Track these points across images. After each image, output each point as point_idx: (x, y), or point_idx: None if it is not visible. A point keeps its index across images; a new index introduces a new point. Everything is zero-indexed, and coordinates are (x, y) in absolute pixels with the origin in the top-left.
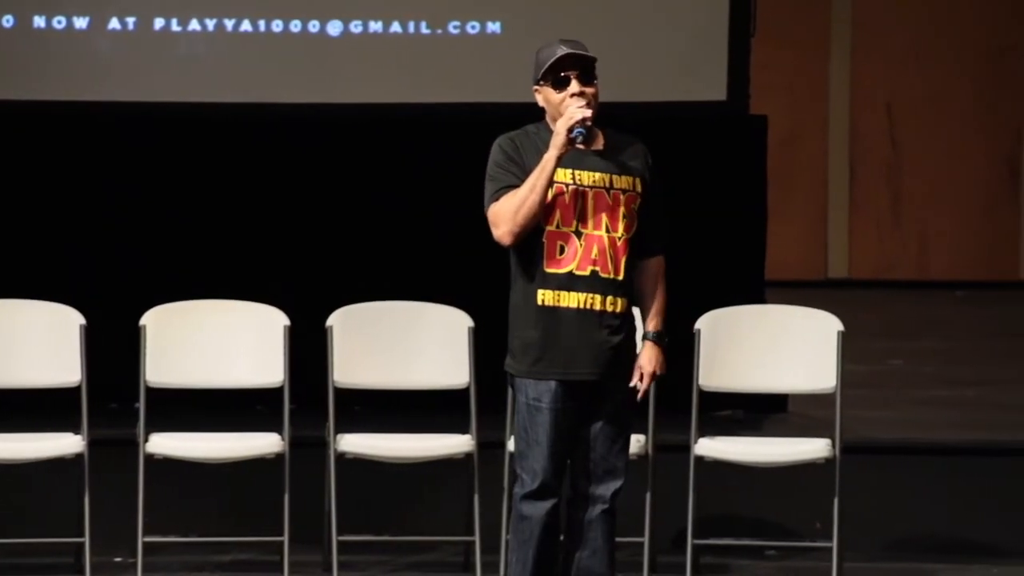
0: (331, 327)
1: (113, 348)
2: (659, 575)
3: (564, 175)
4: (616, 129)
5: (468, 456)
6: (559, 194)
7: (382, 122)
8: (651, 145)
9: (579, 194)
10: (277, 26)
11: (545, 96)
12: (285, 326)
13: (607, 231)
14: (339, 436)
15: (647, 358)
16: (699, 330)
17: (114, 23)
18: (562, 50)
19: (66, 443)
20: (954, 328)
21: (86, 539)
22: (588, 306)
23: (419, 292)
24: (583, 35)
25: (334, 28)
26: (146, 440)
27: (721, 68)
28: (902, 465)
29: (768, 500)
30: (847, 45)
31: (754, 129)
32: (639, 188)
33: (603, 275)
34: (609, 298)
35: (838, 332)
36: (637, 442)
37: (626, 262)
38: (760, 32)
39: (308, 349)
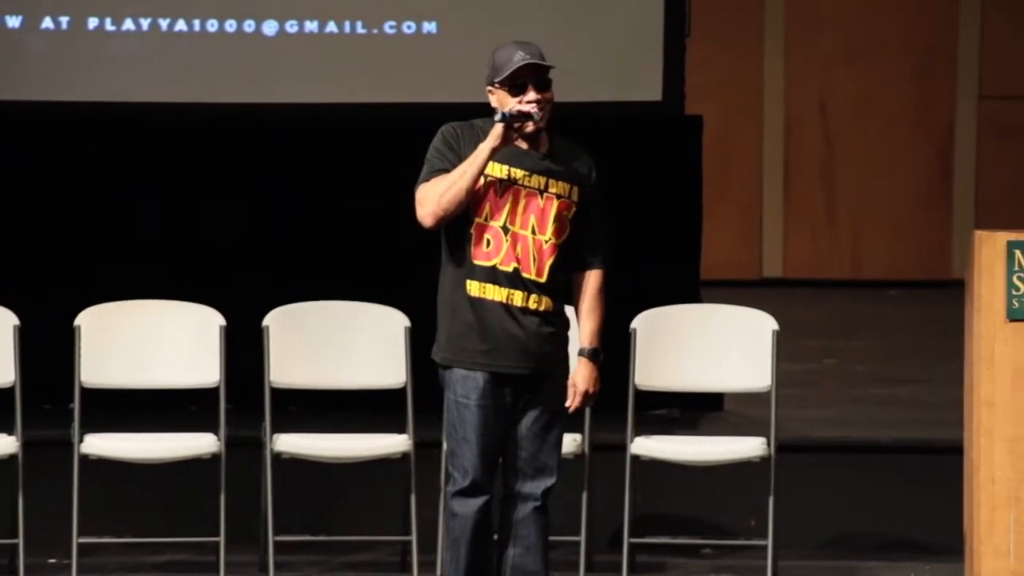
0: (267, 327)
1: (47, 348)
2: (595, 574)
3: (501, 170)
4: (569, 139)
5: (405, 455)
6: (492, 188)
7: (317, 122)
8: (587, 145)
9: (512, 191)
10: (212, 25)
11: (499, 99)
12: (221, 326)
13: (533, 232)
14: (275, 436)
15: (581, 376)
16: (635, 329)
17: (47, 22)
18: (521, 57)
19: None
20: (888, 327)
21: (20, 540)
22: (509, 301)
23: (355, 292)
24: (517, 35)
25: (269, 28)
26: (81, 441)
27: (656, 69)
28: (836, 463)
29: (704, 499)
30: (781, 45)
31: (689, 129)
32: (575, 197)
33: (524, 274)
34: (533, 296)
35: (773, 331)
36: (574, 441)
37: (552, 266)
38: (695, 32)
39: (243, 349)
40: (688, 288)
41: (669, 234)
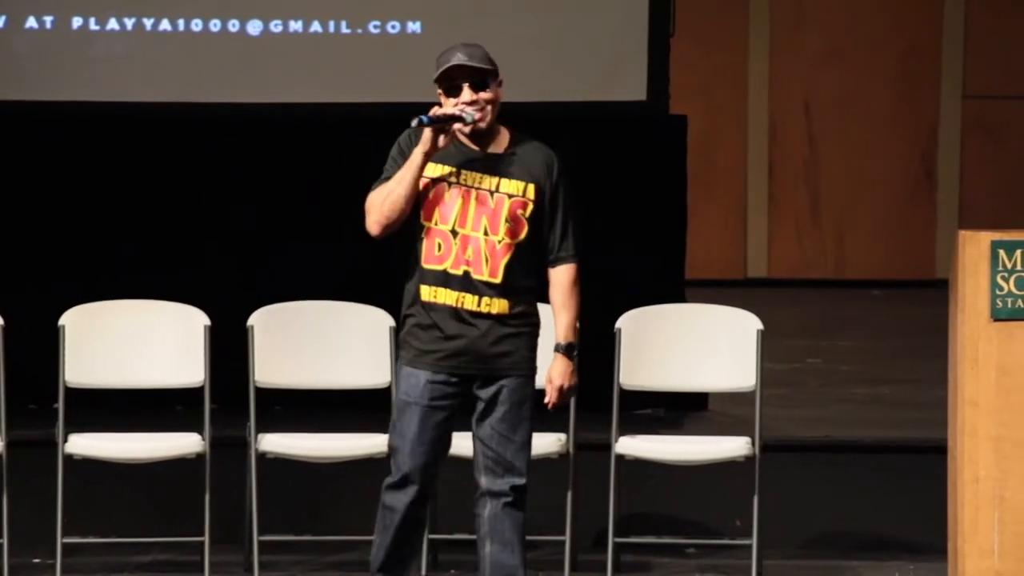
0: (252, 326)
1: (32, 348)
2: (580, 573)
3: (450, 173)
4: (530, 135)
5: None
6: (442, 191)
7: (302, 122)
8: (572, 145)
9: (462, 193)
10: (196, 25)
11: (442, 100)
12: (206, 326)
13: (485, 233)
14: (260, 436)
15: (556, 371)
16: (620, 329)
17: (31, 22)
18: (455, 59)
19: None
20: (872, 327)
21: (4, 540)
22: (460, 305)
23: (340, 292)
24: (502, 35)
25: (254, 27)
26: (65, 441)
27: (641, 68)
28: (821, 463)
29: (688, 498)
30: (765, 45)
31: (674, 129)
32: (531, 195)
33: (475, 276)
34: (484, 299)
35: (757, 331)
36: (558, 441)
37: (507, 266)
38: (679, 32)
39: (228, 349)
40: (673, 288)
41: (654, 234)
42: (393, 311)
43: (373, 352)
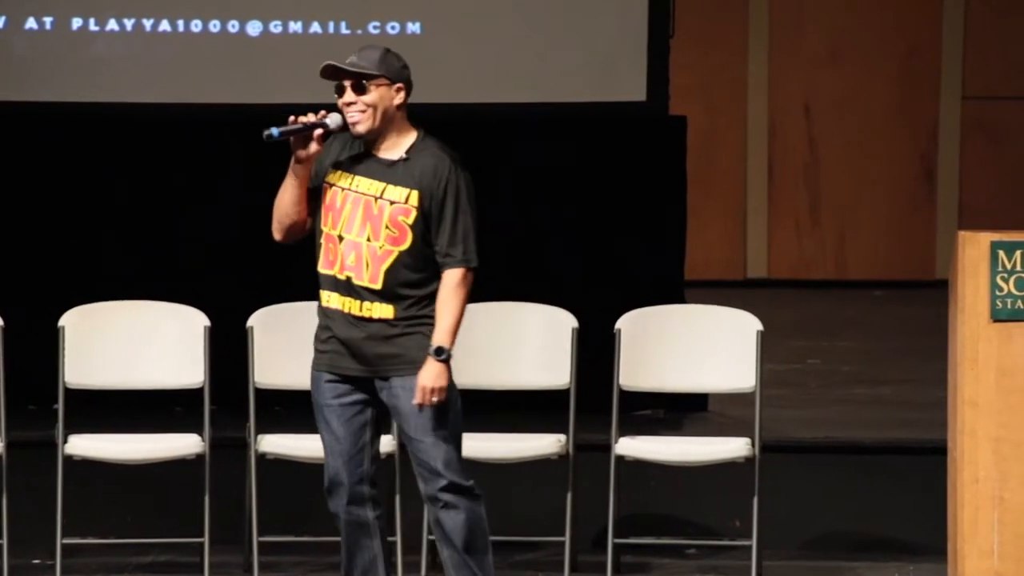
0: (252, 327)
1: (32, 349)
2: (580, 574)
3: (344, 179)
4: (439, 141)
5: (389, 456)
6: (334, 197)
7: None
8: (572, 146)
9: (351, 199)
10: (196, 26)
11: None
12: (205, 327)
13: (368, 239)
14: (260, 437)
15: (423, 373)
16: (619, 330)
17: (31, 23)
18: (335, 61)
19: None
20: (872, 327)
21: (4, 541)
22: (348, 310)
23: None
24: (502, 35)
25: (253, 28)
26: (65, 441)
27: (640, 69)
28: (821, 464)
29: (688, 499)
30: (764, 46)
31: (674, 129)
32: (413, 202)
33: (356, 282)
34: (366, 304)
35: (757, 332)
36: (558, 442)
37: (388, 272)
38: (678, 33)
39: (228, 349)
40: (672, 288)
41: (653, 234)
42: None
43: None
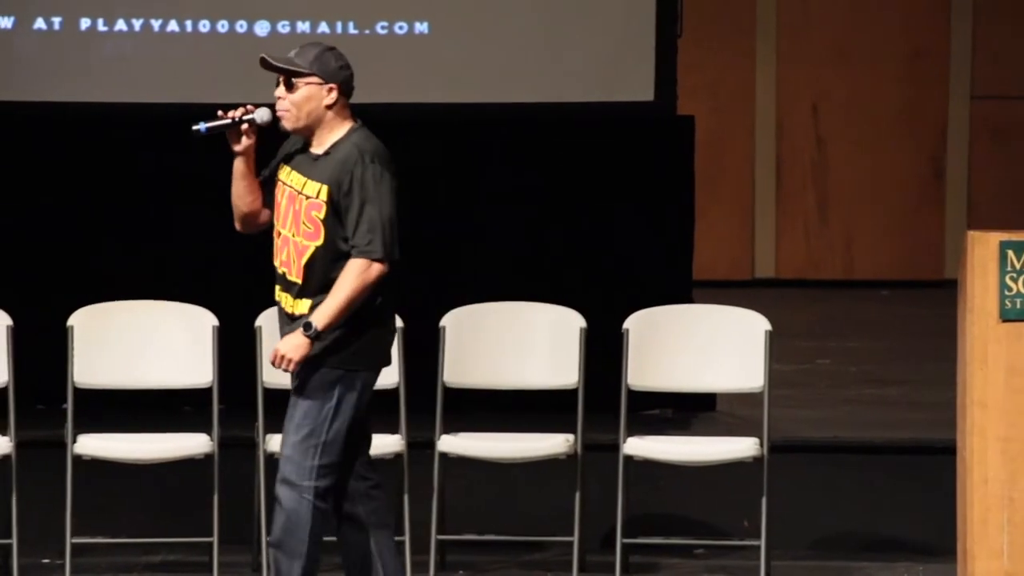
0: (260, 327)
1: (40, 349)
2: (588, 574)
3: (284, 174)
4: (366, 136)
5: (398, 456)
6: (279, 193)
7: None
8: (579, 146)
9: (287, 195)
10: (204, 26)
11: None
12: (214, 326)
13: (293, 235)
14: (268, 436)
15: (285, 340)
16: (627, 330)
17: (39, 23)
18: (268, 55)
19: None
20: (880, 327)
21: (14, 540)
22: (283, 304)
23: None
24: (510, 35)
25: (261, 28)
26: (74, 441)
27: (648, 69)
28: (829, 464)
29: (697, 499)
30: (772, 46)
31: (681, 129)
32: (323, 196)
33: (288, 277)
34: (290, 299)
35: (766, 331)
36: (566, 441)
37: (307, 267)
38: (686, 33)
39: (236, 349)
40: (680, 288)
41: (661, 234)
42: (400, 311)
43: None
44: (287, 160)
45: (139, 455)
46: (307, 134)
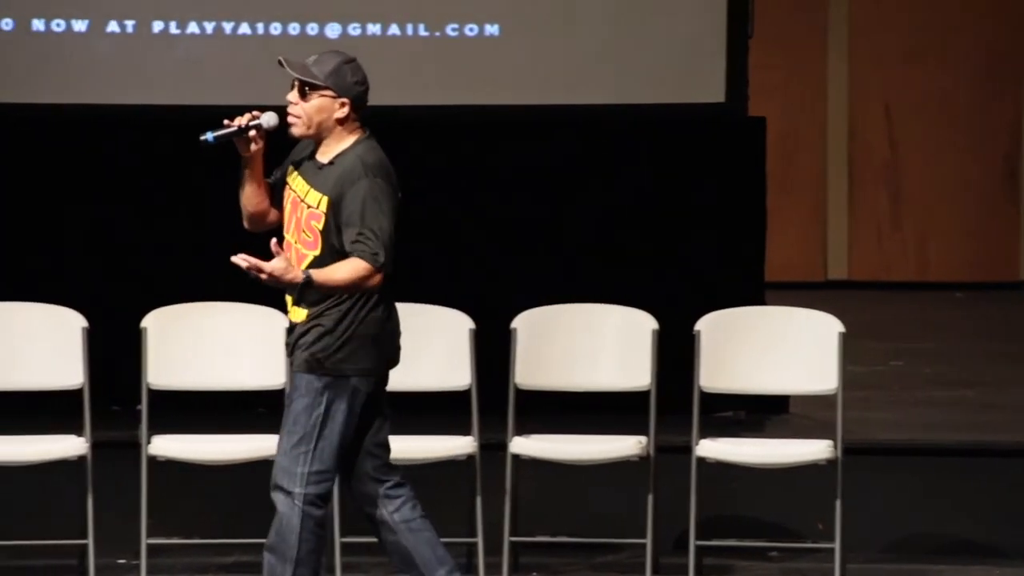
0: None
1: (115, 350)
2: None
3: (292, 179)
4: (373, 147)
5: (470, 457)
6: (286, 198)
7: (380, 125)
8: (650, 148)
9: (292, 201)
10: (275, 29)
11: None
12: (285, 327)
13: (295, 241)
14: None
15: (278, 261)
16: (699, 332)
17: (113, 26)
18: (286, 59)
19: (69, 445)
20: (954, 329)
21: (90, 541)
22: (289, 311)
23: (422, 293)
24: (580, 37)
25: (332, 31)
26: (148, 442)
27: (719, 70)
28: (903, 466)
29: (770, 501)
30: (844, 46)
31: (753, 130)
32: (323, 207)
33: None
34: (293, 307)
35: (839, 333)
36: (638, 443)
37: None
38: (757, 33)
39: None
40: (752, 290)
41: (733, 236)
42: (471, 313)
43: (453, 354)
44: (296, 164)
45: (213, 456)
46: (317, 140)
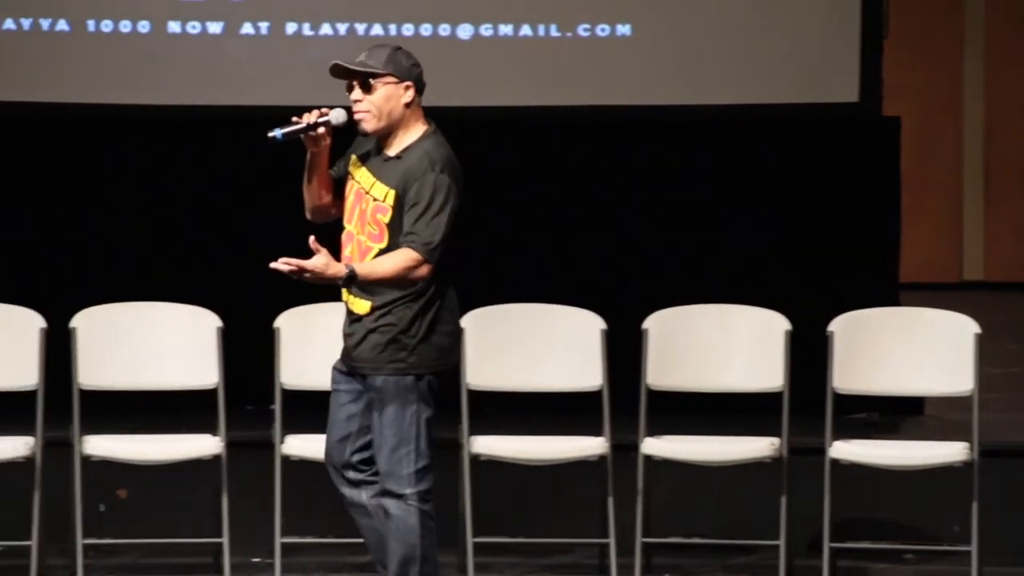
0: (464, 329)
1: (250, 350)
2: None
3: (355, 170)
4: (440, 142)
5: (602, 458)
6: (349, 190)
7: (511, 124)
8: (782, 148)
9: (356, 193)
10: (408, 30)
11: None
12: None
13: (357, 232)
14: (472, 438)
15: (321, 260)
16: (833, 332)
17: (247, 28)
18: (343, 60)
19: (204, 444)
20: None
21: (225, 540)
22: (346, 301)
23: (555, 293)
24: (714, 37)
25: (464, 32)
26: (282, 442)
27: (853, 70)
28: None
29: (905, 503)
30: (980, 45)
31: (887, 131)
32: (390, 201)
33: None
34: (353, 299)
35: (975, 334)
36: (772, 445)
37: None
38: (891, 33)
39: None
40: (887, 291)
41: (867, 237)
42: (603, 314)
43: (583, 353)
44: (360, 156)
45: None
46: (386, 133)
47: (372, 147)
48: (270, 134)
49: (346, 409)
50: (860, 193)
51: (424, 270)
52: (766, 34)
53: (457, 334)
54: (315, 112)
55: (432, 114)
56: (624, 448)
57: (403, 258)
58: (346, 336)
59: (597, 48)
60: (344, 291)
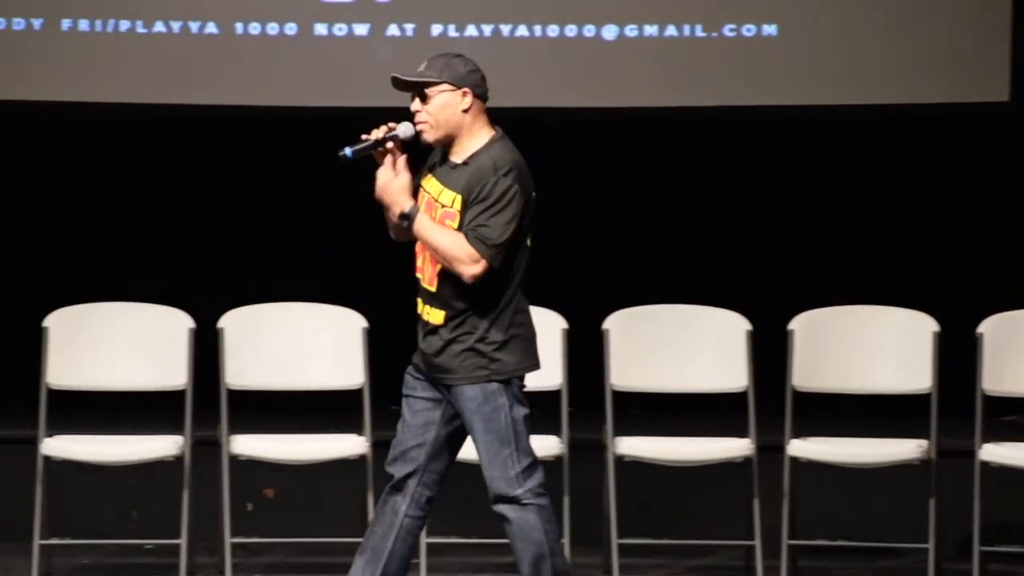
0: (608, 330)
1: (395, 350)
2: None
3: (425, 180)
4: (508, 147)
5: (747, 460)
6: (419, 199)
7: (644, 125)
8: (930, 147)
9: (424, 201)
10: (552, 31)
11: None
12: (563, 329)
13: None
14: (617, 439)
15: (397, 184)
16: (982, 334)
17: (392, 29)
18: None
19: (350, 444)
20: None
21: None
22: (421, 312)
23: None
24: (858, 36)
25: (609, 32)
26: None
27: (1004, 69)
28: None
29: None
30: None
31: None
32: (457, 207)
33: (424, 284)
34: (427, 308)
35: None
36: (919, 447)
37: (440, 275)
38: None
39: (584, 350)
40: None
41: (1016, 237)
42: (748, 315)
43: (728, 354)
44: (429, 167)
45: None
46: (449, 141)
47: (439, 157)
48: (340, 153)
49: (422, 416)
50: (1010, 193)
51: (477, 269)
52: (913, 33)
53: (532, 337)
54: (383, 127)
55: (579, 115)
56: (769, 450)
57: (462, 247)
58: (423, 345)
59: (743, 48)
60: (420, 301)
